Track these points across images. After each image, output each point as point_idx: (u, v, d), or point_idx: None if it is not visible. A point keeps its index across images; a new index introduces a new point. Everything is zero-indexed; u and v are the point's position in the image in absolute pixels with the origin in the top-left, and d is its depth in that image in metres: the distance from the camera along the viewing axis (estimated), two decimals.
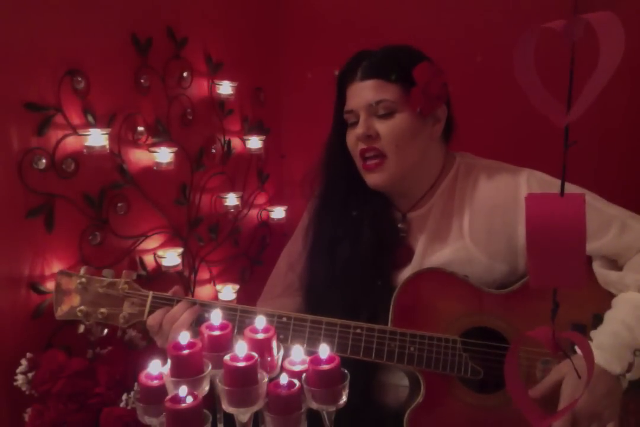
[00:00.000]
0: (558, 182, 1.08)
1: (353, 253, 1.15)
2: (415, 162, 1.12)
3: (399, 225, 1.19)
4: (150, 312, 1.04)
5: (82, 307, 1.06)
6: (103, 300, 1.06)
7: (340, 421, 0.78)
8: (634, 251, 1.05)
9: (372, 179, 1.12)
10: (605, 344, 0.95)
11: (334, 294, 1.13)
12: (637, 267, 1.03)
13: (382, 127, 1.08)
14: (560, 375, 0.95)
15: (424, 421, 1.03)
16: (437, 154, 1.17)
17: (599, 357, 0.93)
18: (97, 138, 1.28)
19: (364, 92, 1.10)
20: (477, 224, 1.12)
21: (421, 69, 1.07)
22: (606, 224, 1.05)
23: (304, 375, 0.75)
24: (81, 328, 1.07)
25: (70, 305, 1.07)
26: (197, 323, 1.01)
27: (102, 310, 1.05)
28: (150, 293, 1.06)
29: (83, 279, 1.07)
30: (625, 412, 1.02)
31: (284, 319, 1.04)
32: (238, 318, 1.03)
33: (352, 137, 1.13)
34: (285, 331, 1.03)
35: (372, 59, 1.11)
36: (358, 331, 1.03)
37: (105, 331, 1.09)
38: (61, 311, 1.07)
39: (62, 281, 1.08)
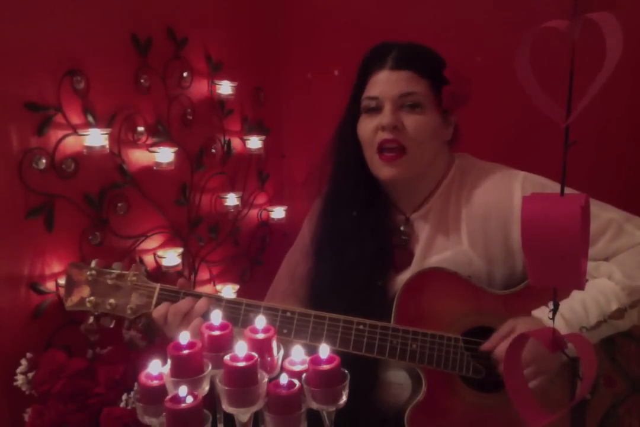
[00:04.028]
0: (553, 185, 1.09)
1: (355, 259, 1.15)
2: (429, 161, 1.13)
3: (402, 228, 1.19)
4: (157, 304, 1.06)
5: (91, 298, 1.08)
6: (112, 291, 1.08)
7: (341, 418, 0.78)
8: (622, 252, 1.05)
9: (388, 171, 1.10)
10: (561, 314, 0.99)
11: (336, 299, 1.13)
12: (618, 261, 1.04)
13: (409, 120, 1.08)
14: (511, 327, 1.00)
15: (425, 419, 1.03)
16: (443, 156, 1.17)
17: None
18: (97, 138, 1.28)
19: (395, 82, 1.07)
20: (475, 229, 1.12)
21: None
22: (601, 230, 1.05)
23: (304, 375, 0.75)
24: (90, 319, 1.09)
25: (80, 296, 1.09)
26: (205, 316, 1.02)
27: (111, 301, 1.08)
28: (158, 285, 1.08)
29: (93, 271, 1.09)
30: (629, 416, 1.02)
31: (288, 314, 1.04)
32: (243, 312, 1.04)
33: (371, 125, 1.10)
34: (289, 325, 1.03)
35: (404, 51, 1.11)
36: (361, 327, 1.03)
37: (113, 322, 1.10)
38: (71, 301, 1.09)
39: (72, 272, 1.10)
